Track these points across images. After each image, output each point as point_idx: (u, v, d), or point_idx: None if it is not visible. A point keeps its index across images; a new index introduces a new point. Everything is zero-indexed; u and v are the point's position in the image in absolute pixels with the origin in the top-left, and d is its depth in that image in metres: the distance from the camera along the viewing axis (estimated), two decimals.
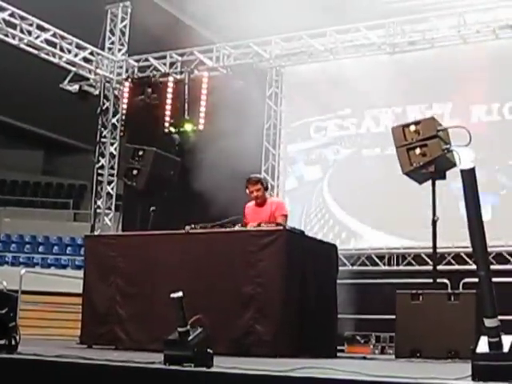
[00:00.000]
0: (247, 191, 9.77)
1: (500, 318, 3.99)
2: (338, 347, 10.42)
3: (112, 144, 15.67)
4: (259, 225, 8.95)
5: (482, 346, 3.99)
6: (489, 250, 4.00)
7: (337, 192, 14.16)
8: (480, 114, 13.07)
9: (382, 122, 13.88)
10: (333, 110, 14.46)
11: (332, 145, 14.44)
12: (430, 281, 9.26)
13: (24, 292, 14.62)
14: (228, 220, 9.51)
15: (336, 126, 14.47)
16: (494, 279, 3.97)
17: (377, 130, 13.99)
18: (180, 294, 5.27)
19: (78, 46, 14.82)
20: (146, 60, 15.62)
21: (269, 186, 9.91)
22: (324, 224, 14.06)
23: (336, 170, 14.28)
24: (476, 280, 4.02)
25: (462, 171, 3.94)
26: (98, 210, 15.53)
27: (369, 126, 14.12)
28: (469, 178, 3.92)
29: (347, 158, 14.24)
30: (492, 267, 3.97)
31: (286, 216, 9.66)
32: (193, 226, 9.37)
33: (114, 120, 15.69)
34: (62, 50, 14.54)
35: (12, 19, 13.50)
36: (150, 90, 14.86)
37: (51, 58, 14.55)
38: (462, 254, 12.53)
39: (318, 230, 13.73)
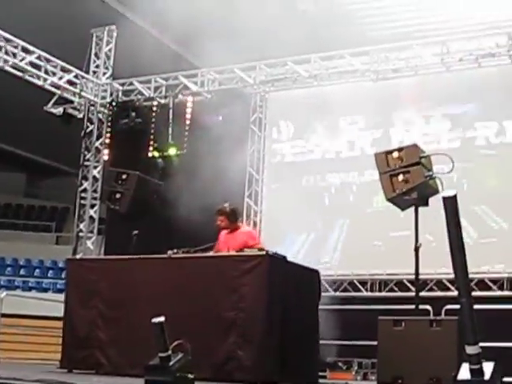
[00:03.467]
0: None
1: (482, 344, 4.00)
2: (320, 373, 10.39)
3: (95, 167, 15.64)
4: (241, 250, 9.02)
5: (464, 372, 3.99)
6: (471, 276, 4.01)
7: (319, 218, 14.16)
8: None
9: (358, 145, 13.99)
10: (316, 135, 14.51)
11: (315, 170, 14.47)
12: (413, 307, 9.25)
13: (4, 315, 14.49)
14: (210, 245, 9.55)
15: (319, 150, 14.51)
16: (476, 306, 3.97)
17: (353, 154, 14.09)
18: (162, 318, 5.26)
19: (63, 69, 14.83)
20: (131, 84, 15.64)
21: (238, 215, 10.08)
22: (308, 249, 14.05)
23: (318, 195, 14.29)
24: (458, 306, 4.03)
25: (444, 198, 3.96)
26: (81, 234, 15.47)
27: (347, 151, 14.21)
28: (451, 204, 3.94)
29: (329, 182, 14.27)
30: (474, 294, 3.97)
31: (258, 243, 9.77)
32: (175, 250, 9.36)
33: (97, 143, 15.67)
34: (46, 72, 14.53)
35: None
36: (134, 113, 14.88)
37: (36, 81, 14.54)
38: (445, 281, 12.55)
39: (301, 255, 13.72)
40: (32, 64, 14.20)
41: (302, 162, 14.61)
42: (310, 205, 13.99)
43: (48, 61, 14.43)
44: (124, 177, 11.59)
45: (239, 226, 10.07)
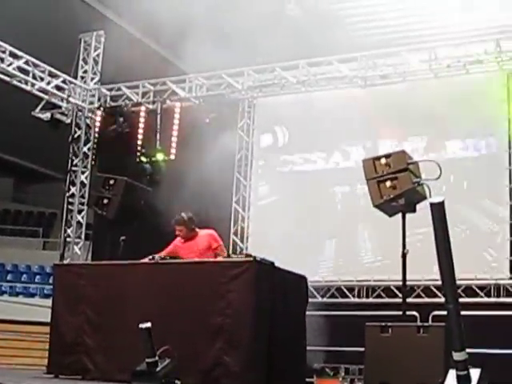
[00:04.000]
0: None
1: (469, 351, 4.00)
2: (307, 379, 10.38)
3: (83, 173, 15.59)
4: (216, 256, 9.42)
5: (451, 379, 4.00)
6: (458, 282, 4.01)
7: (306, 224, 14.15)
8: (455, 149, 13.19)
9: (352, 156, 13.97)
10: (304, 143, 14.52)
11: (302, 178, 14.47)
12: (400, 313, 9.25)
13: None
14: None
15: (304, 159, 14.53)
16: (463, 312, 3.98)
17: (346, 164, 14.08)
18: (148, 324, 5.25)
19: (51, 74, 14.79)
20: (119, 89, 15.61)
21: (194, 222, 10.24)
22: (294, 255, 14.04)
23: (305, 203, 14.28)
24: (445, 313, 4.03)
25: (432, 204, 3.96)
26: (68, 239, 15.41)
27: (338, 161, 14.22)
28: (438, 211, 3.95)
29: (317, 191, 14.26)
30: (461, 300, 3.97)
31: (221, 245, 10.16)
32: (162, 256, 9.38)
33: (85, 149, 15.63)
34: (34, 77, 14.49)
35: None
36: (121, 119, 14.85)
37: (23, 86, 14.49)
38: (432, 287, 12.57)
39: (288, 261, 13.70)
40: (20, 69, 14.16)
41: (297, 172, 14.59)
42: (298, 211, 14.01)
43: (36, 66, 14.39)
44: (112, 182, 11.57)
45: (197, 231, 10.20)
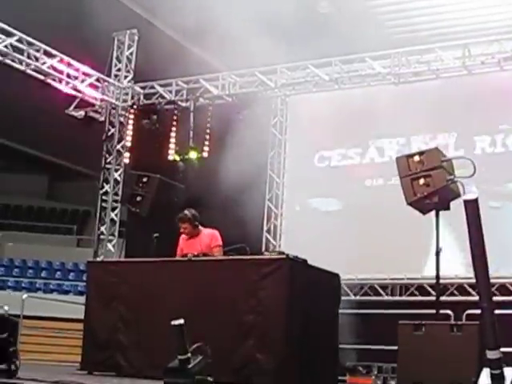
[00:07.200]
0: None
1: (503, 350, 3.97)
2: (340, 377, 10.36)
3: (116, 170, 15.66)
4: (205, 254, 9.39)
5: (484, 378, 3.97)
6: (492, 281, 3.98)
7: (339, 221, 14.12)
8: (484, 145, 13.10)
9: (387, 152, 13.92)
10: (337, 140, 14.49)
11: (336, 174, 14.44)
12: (433, 312, 9.21)
13: (25, 317, 14.60)
14: (231, 248, 9.55)
15: (340, 155, 14.49)
16: (497, 311, 3.95)
17: (381, 160, 14.02)
18: (181, 321, 5.26)
19: (85, 73, 14.87)
20: (152, 87, 15.65)
21: (198, 219, 10.24)
22: (327, 252, 14.01)
23: (340, 200, 14.27)
24: (479, 311, 4.00)
25: (466, 202, 3.93)
26: (102, 236, 15.49)
27: (373, 157, 14.16)
28: (472, 208, 3.92)
29: (352, 187, 14.23)
30: (495, 299, 3.94)
31: (220, 246, 10.01)
32: (195, 253, 9.40)
33: (118, 146, 15.69)
34: (68, 76, 14.58)
35: (19, 45, 13.54)
36: (155, 117, 14.89)
37: (57, 84, 14.58)
38: (466, 285, 12.49)
39: (321, 259, 13.68)
40: (53, 67, 14.25)
41: (335, 167, 14.57)
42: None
43: (70, 64, 14.48)
44: (145, 180, 11.64)
45: (200, 229, 10.22)
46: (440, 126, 13.47)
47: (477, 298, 4.19)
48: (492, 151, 13.07)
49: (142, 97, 15.74)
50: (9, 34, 13.35)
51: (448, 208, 9.22)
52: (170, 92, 15.39)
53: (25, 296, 15.35)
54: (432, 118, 13.44)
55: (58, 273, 24.85)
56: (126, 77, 15.88)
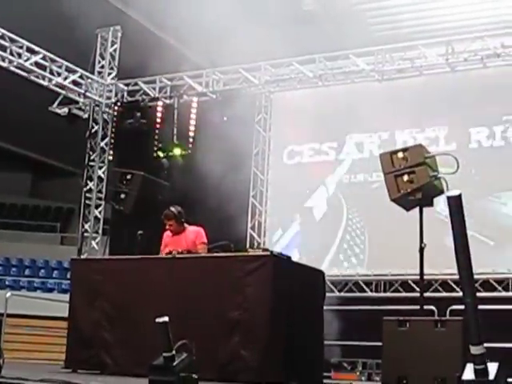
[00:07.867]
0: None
1: (486, 345, 3.98)
2: (325, 374, 10.37)
3: (100, 168, 15.64)
4: (189, 252, 9.33)
5: (468, 373, 3.98)
6: (475, 277, 3.99)
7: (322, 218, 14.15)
8: (480, 137, 13.12)
9: (366, 147, 13.97)
10: (321, 136, 14.52)
11: (319, 171, 14.47)
12: (417, 307, 9.23)
13: (9, 315, 14.54)
14: (215, 245, 9.55)
15: (323, 152, 14.51)
16: (481, 306, 3.96)
17: (361, 155, 14.07)
18: (165, 318, 5.25)
19: (68, 69, 14.83)
20: (136, 84, 15.64)
21: (184, 216, 10.19)
22: (313, 249, 14.04)
23: (325, 195, 14.29)
24: (463, 307, 4.02)
25: (449, 198, 3.94)
26: (86, 234, 15.47)
27: (354, 152, 14.19)
28: (455, 204, 3.93)
29: (336, 184, 14.26)
30: (478, 294, 3.96)
31: (205, 243, 9.93)
32: (180, 250, 9.39)
33: (102, 144, 15.67)
34: (51, 73, 14.54)
35: (2, 41, 13.50)
36: (138, 114, 14.86)
37: (41, 81, 14.55)
38: (449, 281, 12.54)
39: (307, 255, 13.71)
40: (37, 64, 14.21)
41: (314, 163, 14.58)
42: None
43: (53, 61, 14.44)
44: (129, 177, 11.60)
45: (185, 226, 10.17)
46: (428, 120, 13.49)
47: (460, 293, 4.20)
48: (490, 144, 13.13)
49: (125, 94, 15.73)
50: None
51: (431, 204, 9.25)
52: (154, 89, 15.39)
53: (8, 294, 15.26)
54: (418, 113, 13.48)
55: (42, 271, 24.76)
56: (109, 74, 15.86)
